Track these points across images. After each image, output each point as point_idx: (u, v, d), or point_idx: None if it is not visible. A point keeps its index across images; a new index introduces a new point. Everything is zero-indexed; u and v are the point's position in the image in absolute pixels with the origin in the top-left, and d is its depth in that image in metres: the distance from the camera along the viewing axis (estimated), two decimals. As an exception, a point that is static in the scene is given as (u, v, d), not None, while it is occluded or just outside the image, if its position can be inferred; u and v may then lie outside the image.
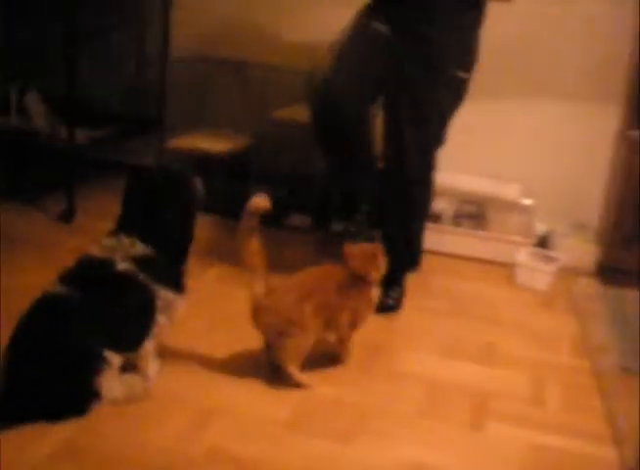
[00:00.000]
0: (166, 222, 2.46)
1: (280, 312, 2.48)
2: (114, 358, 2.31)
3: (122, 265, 2.35)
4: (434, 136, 3.10)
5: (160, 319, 2.44)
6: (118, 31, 4.48)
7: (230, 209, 3.67)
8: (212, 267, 3.40)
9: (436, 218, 3.79)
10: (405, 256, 3.28)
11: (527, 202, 3.75)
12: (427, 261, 3.61)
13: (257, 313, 2.50)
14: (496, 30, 3.61)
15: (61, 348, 2.24)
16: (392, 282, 3.17)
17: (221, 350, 2.72)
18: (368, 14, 3.05)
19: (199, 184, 2.57)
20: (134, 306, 2.39)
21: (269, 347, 2.54)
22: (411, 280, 3.41)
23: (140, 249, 2.39)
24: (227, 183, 4.11)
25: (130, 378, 2.42)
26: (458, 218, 3.84)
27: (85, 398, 2.28)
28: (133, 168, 2.62)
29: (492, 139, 3.99)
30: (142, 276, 2.37)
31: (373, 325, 2.96)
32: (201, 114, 4.34)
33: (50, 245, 3.48)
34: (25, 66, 4.44)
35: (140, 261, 2.38)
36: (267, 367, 2.58)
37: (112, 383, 2.32)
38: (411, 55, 2.94)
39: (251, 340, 2.63)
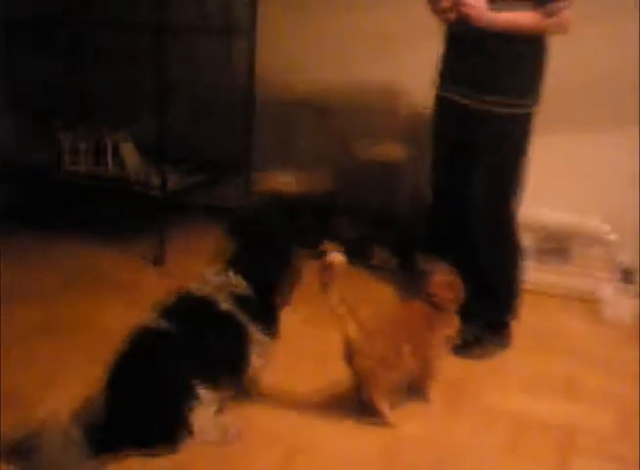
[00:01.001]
0: (272, 267, 2.56)
1: (379, 356, 2.54)
2: (208, 396, 2.41)
3: (225, 305, 2.45)
4: (506, 176, 3.13)
5: (255, 361, 2.53)
6: (204, 75, 4.64)
7: (317, 248, 3.76)
8: (299, 306, 3.47)
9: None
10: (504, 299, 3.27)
11: (611, 236, 3.74)
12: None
13: (354, 357, 2.55)
14: (574, 63, 3.66)
15: (157, 381, 2.35)
16: (489, 329, 3.22)
17: (308, 388, 2.79)
18: (440, 83, 3.17)
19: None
20: (231, 346, 2.48)
21: (360, 385, 2.59)
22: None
23: (244, 289, 2.49)
24: (313, 222, 4.20)
25: (224, 420, 2.51)
26: (541, 254, 3.84)
27: (177, 430, 2.37)
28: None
29: (573, 171, 3.98)
30: (242, 317, 2.46)
31: (457, 361, 3.02)
32: (287, 155, 4.45)
33: (142, 287, 3.62)
34: (119, 116, 4.64)
35: (242, 301, 2.47)
36: (355, 405, 2.63)
37: (204, 422, 2.41)
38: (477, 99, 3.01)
39: (336, 379, 2.71)
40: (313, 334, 3.24)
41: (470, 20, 2.82)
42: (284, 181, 4.23)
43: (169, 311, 2.46)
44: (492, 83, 2.98)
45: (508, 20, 2.85)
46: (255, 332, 2.50)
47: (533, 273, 3.77)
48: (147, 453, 2.32)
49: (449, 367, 2.92)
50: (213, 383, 2.43)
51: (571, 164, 3.97)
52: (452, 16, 2.85)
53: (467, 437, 2.56)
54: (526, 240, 3.81)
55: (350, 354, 2.55)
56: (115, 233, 4.35)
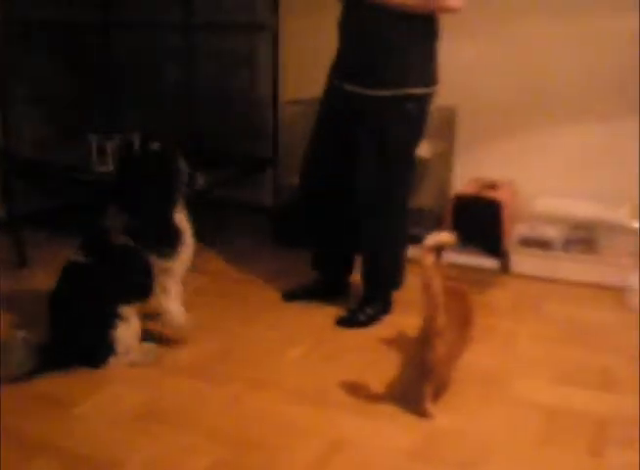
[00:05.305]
0: (151, 196, 2.91)
1: (449, 344, 2.59)
2: (128, 311, 2.88)
3: (118, 238, 2.85)
4: (397, 160, 3.23)
5: (161, 277, 2.95)
6: (231, 75, 4.69)
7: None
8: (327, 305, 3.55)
9: (547, 245, 3.84)
10: (386, 274, 3.43)
11: (637, 224, 3.76)
12: (539, 288, 3.70)
13: (432, 343, 2.55)
14: (604, 54, 3.69)
15: (78, 305, 2.85)
16: (372, 299, 3.39)
17: (341, 382, 2.84)
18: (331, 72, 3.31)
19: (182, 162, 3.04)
20: (132, 272, 2.90)
21: (421, 375, 2.63)
22: (524, 307, 3.53)
23: (132, 219, 2.87)
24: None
25: (147, 346, 3.00)
26: (569, 244, 3.87)
27: (101, 350, 2.87)
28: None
29: (599, 161, 4.00)
30: (134, 246, 2.87)
31: (487, 353, 3.07)
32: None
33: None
34: (144, 114, 4.69)
35: (134, 231, 2.86)
36: (396, 397, 2.71)
37: (128, 341, 2.88)
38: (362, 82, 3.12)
39: (369, 372, 2.80)
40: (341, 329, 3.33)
41: None
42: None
43: (83, 246, 2.91)
44: (378, 75, 3.08)
45: None
46: (150, 256, 2.90)
47: (561, 264, 3.82)
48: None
49: (481, 359, 2.98)
50: (128, 302, 2.90)
51: (598, 152, 3.99)
52: None
53: (501, 429, 2.58)
54: (554, 231, 3.86)
55: (428, 341, 2.56)
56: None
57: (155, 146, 2.99)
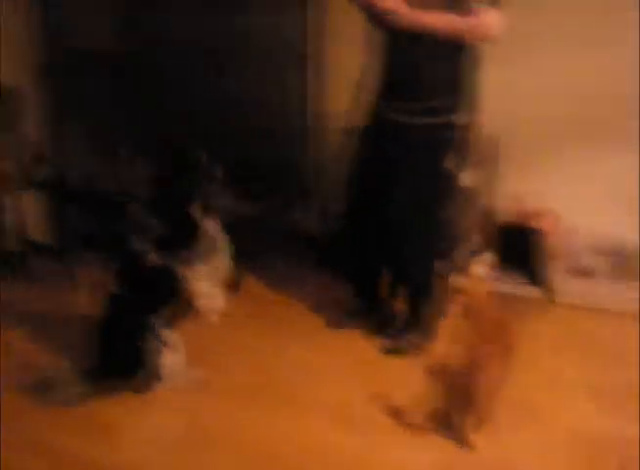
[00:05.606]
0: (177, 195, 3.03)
1: (491, 374, 2.62)
2: (170, 335, 2.98)
3: (153, 259, 2.95)
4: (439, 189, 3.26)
5: (192, 282, 3.04)
6: (273, 100, 4.73)
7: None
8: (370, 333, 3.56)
9: (591, 274, 3.82)
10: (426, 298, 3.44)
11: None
12: (583, 317, 3.67)
13: (479, 375, 2.59)
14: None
15: (126, 335, 2.93)
16: (416, 327, 3.41)
17: (382, 409, 2.86)
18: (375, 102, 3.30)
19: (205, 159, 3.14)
20: (169, 292, 3.01)
21: (464, 401, 2.65)
22: (568, 336, 3.52)
23: (159, 227, 2.96)
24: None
25: (191, 370, 3.03)
26: (613, 273, 3.84)
27: (146, 376, 2.94)
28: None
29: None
30: (166, 261, 2.96)
31: (530, 383, 3.05)
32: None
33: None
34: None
35: (157, 241, 2.95)
36: (439, 426, 2.72)
37: (172, 366, 2.95)
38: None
39: (410, 400, 2.83)
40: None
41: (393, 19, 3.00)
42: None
43: (118, 276, 3.03)
44: (420, 103, 3.11)
45: (427, 21, 2.96)
46: (181, 268, 3.00)
47: (605, 292, 3.80)
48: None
49: (524, 389, 2.97)
50: (170, 324, 3.02)
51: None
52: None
53: (542, 460, 2.59)
54: (598, 259, 3.85)
55: (471, 370, 2.59)
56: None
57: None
